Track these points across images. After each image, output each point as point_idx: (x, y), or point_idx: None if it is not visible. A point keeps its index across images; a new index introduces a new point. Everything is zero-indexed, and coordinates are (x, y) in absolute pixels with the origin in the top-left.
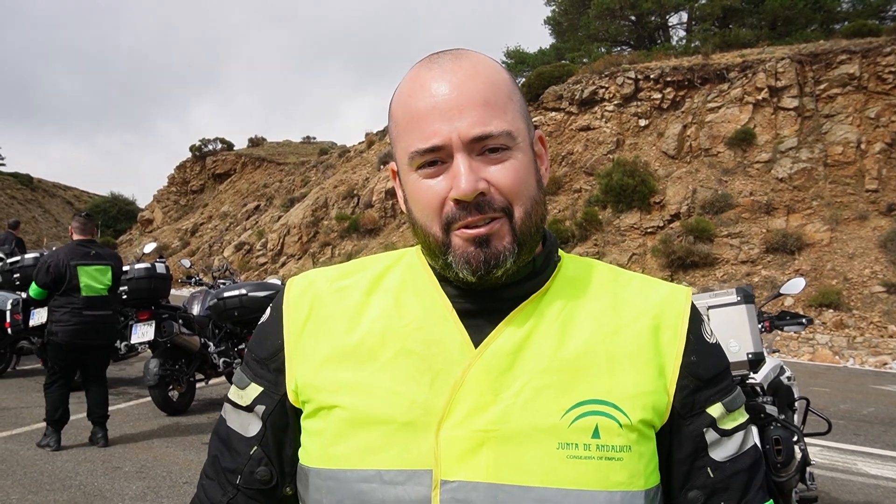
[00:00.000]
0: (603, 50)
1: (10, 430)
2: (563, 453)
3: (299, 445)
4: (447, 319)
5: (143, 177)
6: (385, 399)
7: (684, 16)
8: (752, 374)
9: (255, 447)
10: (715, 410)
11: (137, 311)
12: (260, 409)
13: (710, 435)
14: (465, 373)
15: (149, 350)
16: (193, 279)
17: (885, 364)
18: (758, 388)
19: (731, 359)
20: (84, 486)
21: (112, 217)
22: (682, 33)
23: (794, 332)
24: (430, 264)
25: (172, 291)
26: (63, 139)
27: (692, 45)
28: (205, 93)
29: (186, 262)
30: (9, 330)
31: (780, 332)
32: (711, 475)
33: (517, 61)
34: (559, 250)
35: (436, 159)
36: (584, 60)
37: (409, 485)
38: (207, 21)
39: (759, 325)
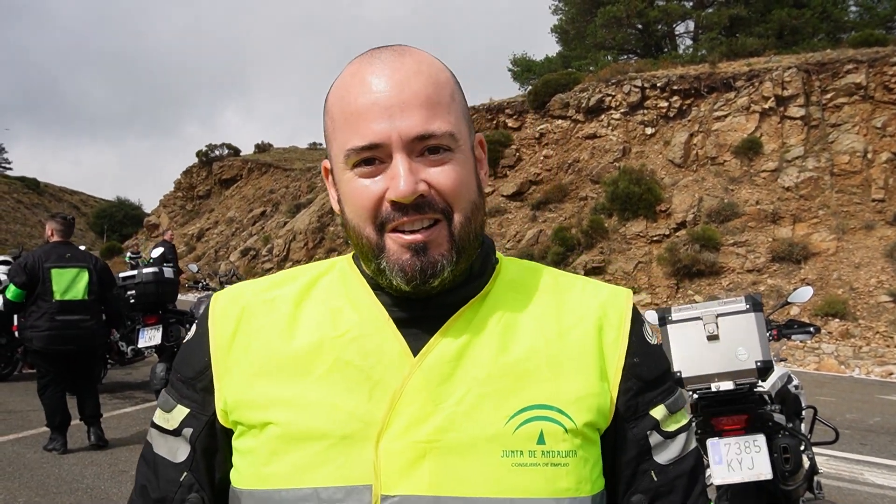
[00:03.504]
0: (609, 58)
1: (17, 434)
2: (508, 461)
3: (231, 468)
4: (384, 329)
5: (167, 182)
6: (322, 413)
7: (691, 25)
8: (760, 383)
9: (185, 473)
10: (658, 412)
11: (145, 316)
12: (188, 432)
13: (654, 437)
14: (405, 382)
15: (156, 354)
16: (200, 284)
17: (891, 374)
18: (766, 397)
19: (740, 367)
20: (91, 489)
21: (118, 221)
22: (688, 42)
23: (802, 341)
24: (363, 272)
25: (179, 296)
26: (90, 144)
27: (699, 53)
28: (234, 98)
29: (194, 267)
30: (16, 333)
31: (787, 340)
32: (655, 479)
33: (524, 69)
34: (497, 253)
35: (373, 157)
36: (591, 68)
37: (349, 502)
38: (239, 27)
39: (767, 334)
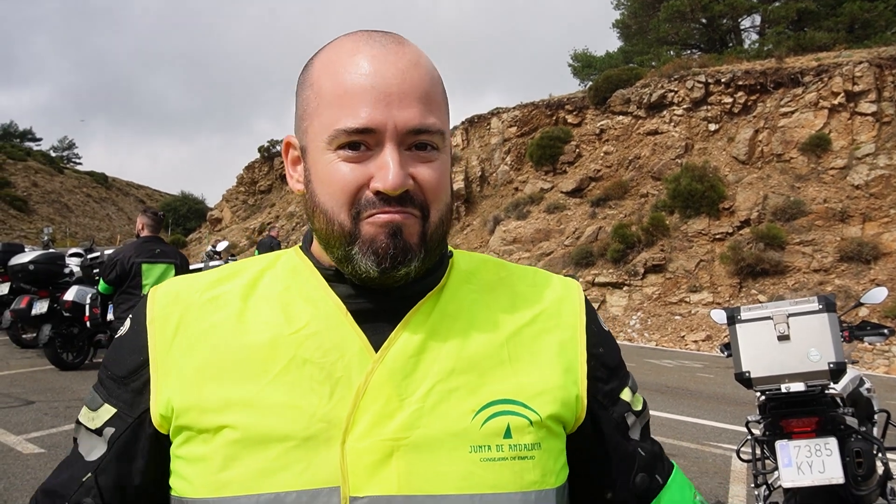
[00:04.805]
0: (672, 53)
1: None
2: (477, 456)
3: (152, 477)
4: (343, 323)
5: (232, 177)
6: (281, 414)
7: (757, 19)
8: (832, 385)
9: (89, 475)
10: (626, 395)
11: None
12: (108, 431)
13: (630, 418)
14: (368, 379)
15: None
16: None
17: None
18: (837, 400)
19: (812, 368)
20: None
21: (182, 215)
22: (754, 36)
23: (872, 343)
24: (316, 264)
25: None
26: (165, 141)
27: (765, 48)
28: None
29: None
30: (88, 323)
31: (857, 342)
32: (643, 454)
33: (584, 65)
34: (448, 244)
35: (361, 143)
36: (653, 64)
37: None
38: (313, 24)
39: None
